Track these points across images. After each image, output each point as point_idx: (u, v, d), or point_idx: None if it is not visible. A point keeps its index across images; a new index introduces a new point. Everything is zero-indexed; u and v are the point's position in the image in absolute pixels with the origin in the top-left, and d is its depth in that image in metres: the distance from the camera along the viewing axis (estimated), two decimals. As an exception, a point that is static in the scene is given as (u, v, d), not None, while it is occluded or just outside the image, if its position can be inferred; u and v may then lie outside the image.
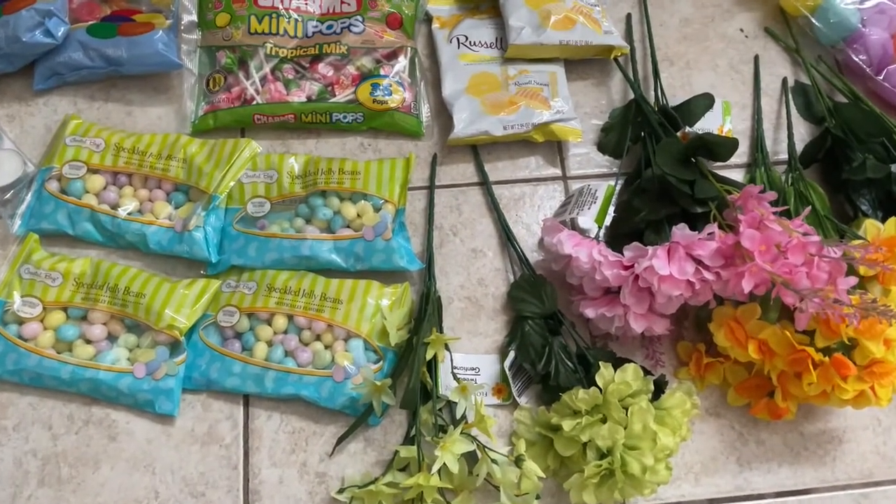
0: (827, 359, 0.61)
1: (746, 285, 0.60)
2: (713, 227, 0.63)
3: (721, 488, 0.67)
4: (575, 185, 0.79)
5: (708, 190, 0.66)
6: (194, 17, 0.81)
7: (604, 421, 0.62)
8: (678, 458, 0.68)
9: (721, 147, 0.68)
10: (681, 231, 0.63)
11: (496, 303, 0.74)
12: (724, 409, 0.70)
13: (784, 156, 0.81)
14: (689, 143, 0.69)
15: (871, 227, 0.67)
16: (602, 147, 0.81)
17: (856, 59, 0.83)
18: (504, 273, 0.76)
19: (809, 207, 0.62)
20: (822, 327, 0.62)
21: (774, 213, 0.63)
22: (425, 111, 0.81)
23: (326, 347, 0.69)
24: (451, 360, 0.69)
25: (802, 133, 0.83)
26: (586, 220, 0.72)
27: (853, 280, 0.60)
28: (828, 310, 0.57)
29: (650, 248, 0.64)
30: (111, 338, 0.69)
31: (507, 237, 0.76)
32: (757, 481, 0.68)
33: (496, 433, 0.69)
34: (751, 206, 0.63)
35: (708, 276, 0.63)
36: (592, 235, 0.71)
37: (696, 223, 0.66)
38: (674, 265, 0.63)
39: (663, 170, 0.67)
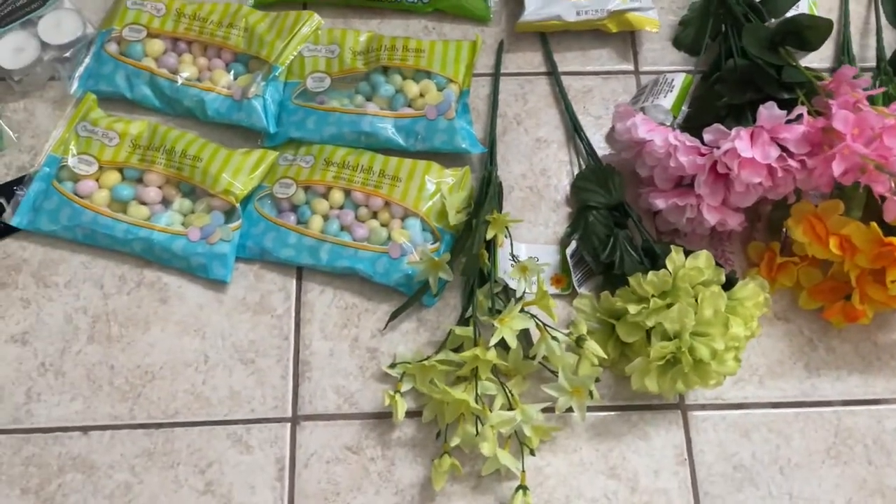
0: (916, 253, 0.58)
1: (837, 168, 0.56)
2: (802, 110, 0.59)
3: (787, 392, 0.65)
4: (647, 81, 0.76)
5: (796, 75, 0.62)
6: None
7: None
8: (743, 358, 0.65)
9: (812, 30, 0.63)
10: (768, 111, 0.59)
11: (558, 194, 0.71)
12: (793, 313, 0.67)
13: (872, 63, 0.77)
14: (777, 25, 0.65)
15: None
16: (678, 42, 0.77)
17: (957, -37, 0.78)
18: (568, 165, 0.73)
19: (909, 91, 0.58)
20: (913, 221, 0.58)
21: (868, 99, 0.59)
22: (494, -5, 0.78)
23: (383, 225, 0.67)
24: (511, 247, 0.66)
25: (891, 42, 0.78)
26: (664, 107, 0.68)
27: (955, 166, 0.56)
28: (925, 194, 0.53)
29: (733, 130, 0.60)
30: (166, 202, 0.67)
31: (574, 128, 0.73)
32: (825, 388, 0.65)
33: (555, 324, 0.66)
34: (843, 91, 0.59)
35: (792, 163, 0.60)
36: (668, 124, 0.67)
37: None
38: (757, 149, 0.60)
39: (750, 51, 0.63)
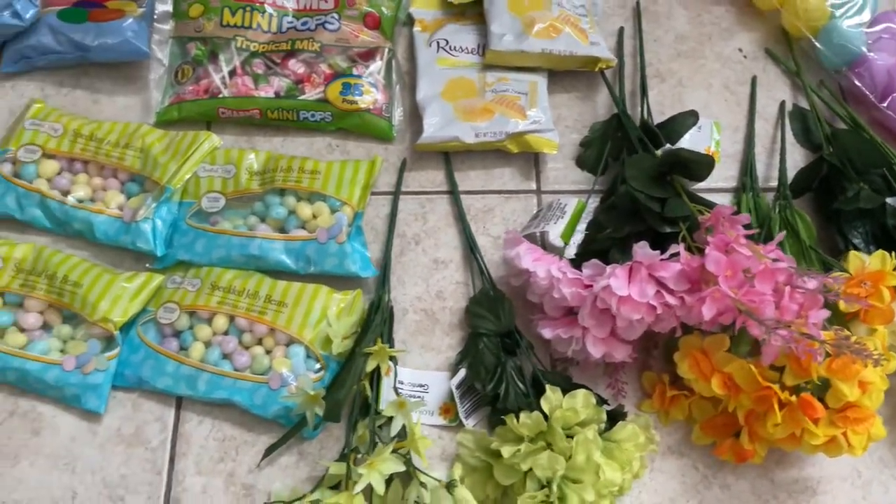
0: (794, 399, 0.56)
1: (707, 312, 0.55)
2: (678, 248, 0.59)
3: (678, 534, 0.62)
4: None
5: (678, 209, 0.61)
6: (169, 7, 0.79)
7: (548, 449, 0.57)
8: (632, 497, 0.63)
9: (696, 164, 0.63)
10: (642, 249, 0.58)
11: (453, 317, 0.70)
12: (688, 448, 0.65)
13: (777, 182, 0.76)
14: (662, 158, 0.64)
15: (854, 259, 0.61)
16: (581, 162, 0.77)
17: (859, 85, 0.78)
18: (465, 287, 0.72)
19: (783, 233, 0.57)
20: (792, 364, 0.57)
21: (747, 238, 0.58)
22: (398, 114, 0.78)
23: (267, 352, 0.65)
24: (396, 375, 0.65)
25: (799, 161, 0.78)
26: (553, 234, 0.68)
27: (825, 313, 0.54)
28: (793, 344, 0.52)
29: (609, 267, 0.59)
30: (46, 327, 0.66)
31: (471, 249, 0.72)
32: (718, 529, 0.62)
33: (441, 456, 0.64)
34: (722, 228, 0.59)
35: (671, 300, 0.58)
36: (561, 249, 0.67)
37: (666, 245, 0.62)
38: (634, 286, 0.59)
39: (631, 185, 0.62)
